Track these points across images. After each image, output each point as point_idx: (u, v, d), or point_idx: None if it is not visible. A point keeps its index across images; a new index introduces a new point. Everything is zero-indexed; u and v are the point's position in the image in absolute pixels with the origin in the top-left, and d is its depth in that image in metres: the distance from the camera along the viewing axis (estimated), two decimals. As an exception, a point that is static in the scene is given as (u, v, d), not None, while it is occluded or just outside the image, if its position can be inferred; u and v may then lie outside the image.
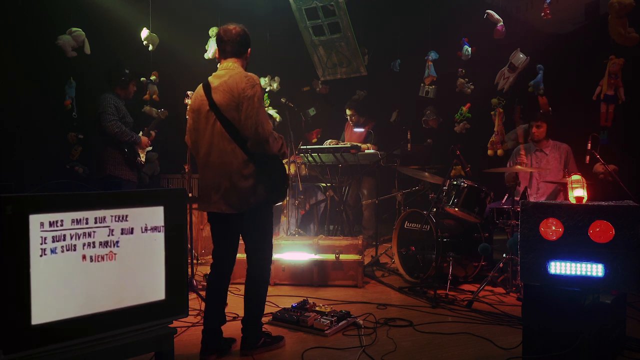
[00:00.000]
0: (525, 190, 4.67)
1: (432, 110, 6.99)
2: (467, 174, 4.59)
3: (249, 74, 3.03)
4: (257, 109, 2.93)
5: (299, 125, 6.09)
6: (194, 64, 6.75)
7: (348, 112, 6.65)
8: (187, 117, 3.23)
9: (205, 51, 6.77)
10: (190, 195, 4.32)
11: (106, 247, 2.35)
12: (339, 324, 3.52)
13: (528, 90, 5.89)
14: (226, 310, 3.33)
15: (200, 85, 3.13)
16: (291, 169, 5.74)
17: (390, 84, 7.58)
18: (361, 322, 3.61)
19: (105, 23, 6.34)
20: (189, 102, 4.31)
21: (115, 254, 2.38)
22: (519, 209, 3.34)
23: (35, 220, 2.13)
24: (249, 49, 3.18)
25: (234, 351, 3.13)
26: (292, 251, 4.81)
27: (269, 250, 3.16)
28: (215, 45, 3.19)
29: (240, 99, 2.94)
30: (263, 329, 3.23)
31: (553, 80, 5.84)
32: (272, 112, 7.08)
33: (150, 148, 5.13)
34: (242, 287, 3.22)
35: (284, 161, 5.76)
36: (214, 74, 3.13)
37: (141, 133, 5.00)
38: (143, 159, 5.00)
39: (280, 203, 4.91)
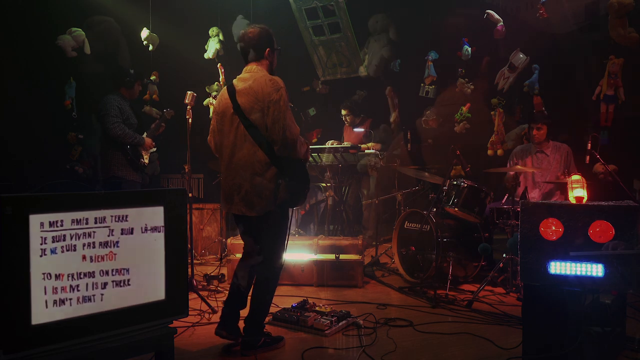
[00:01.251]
0: (525, 190, 4.67)
1: (432, 110, 7.00)
2: (467, 174, 4.59)
3: (274, 77, 3.04)
4: (284, 113, 2.94)
5: (299, 125, 6.08)
6: (194, 64, 6.75)
7: (343, 112, 6.68)
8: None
9: (205, 51, 6.78)
10: (190, 195, 4.31)
11: (106, 247, 2.35)
12: (339, 324, 3.52)
13: (523, 90, 5.90)
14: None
15: (225, 88, 3.14)
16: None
17: (390, 84, 7.58)
18: (361, 322, 3.61)
19: (105, 23, 6.34)
20: (189, 102, 4.32)
21: (115, 254, 2.38)
22: (519, 209, 3.34)
23: (35, 220, 2.13)
24: (268, 49, 3.15)
25: (234, 351, 3.14)
26: (292, 251, 4.80)
27: (281, 253, 3.16)
28: (217, 45, 3.20)
29: (266, 103, 2.94)
30: (264, 329, 3.23)
31: (553, 80, 5.84)
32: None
33: (154, 149, 5.08)
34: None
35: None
36: (238, 76, 3.13)
37: (145, 134, 4.97)
38: (146, 160, 4.96)
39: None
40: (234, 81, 3.11)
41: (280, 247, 3.15)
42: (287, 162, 3.02)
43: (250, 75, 3.06)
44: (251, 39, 3.12)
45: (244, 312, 3.19)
